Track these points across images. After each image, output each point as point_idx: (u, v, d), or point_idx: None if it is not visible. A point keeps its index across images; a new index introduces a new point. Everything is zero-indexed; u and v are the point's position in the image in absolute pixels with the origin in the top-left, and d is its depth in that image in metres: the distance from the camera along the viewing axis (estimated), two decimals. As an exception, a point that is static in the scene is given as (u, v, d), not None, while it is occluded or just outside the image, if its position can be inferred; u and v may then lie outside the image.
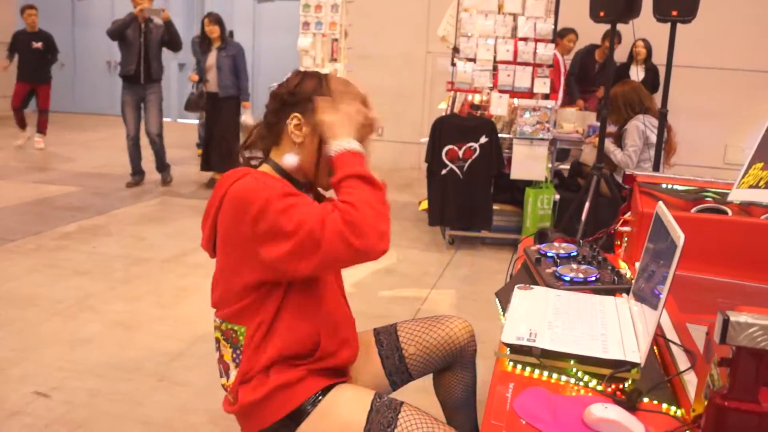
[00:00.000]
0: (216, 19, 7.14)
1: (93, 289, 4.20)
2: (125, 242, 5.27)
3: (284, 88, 1.71)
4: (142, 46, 6.90)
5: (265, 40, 12.71)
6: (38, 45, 9.31)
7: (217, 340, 1.73)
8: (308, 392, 1.64)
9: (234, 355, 1.68)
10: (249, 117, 7.23)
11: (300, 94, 1.67)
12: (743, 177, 1.53)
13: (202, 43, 7.25)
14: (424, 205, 5.79)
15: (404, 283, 4.61)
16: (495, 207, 5.53)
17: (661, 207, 1.58)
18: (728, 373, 1.03)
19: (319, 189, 1.80)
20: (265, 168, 1.71)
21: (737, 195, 1.54)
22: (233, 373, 1.68)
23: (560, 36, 7.56)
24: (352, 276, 4.56)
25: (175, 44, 7.21)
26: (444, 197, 5.37)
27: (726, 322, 0.98)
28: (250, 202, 1.52)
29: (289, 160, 1.68)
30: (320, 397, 1.64)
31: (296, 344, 1.65)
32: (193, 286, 4.33)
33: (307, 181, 1.74)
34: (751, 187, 1.46)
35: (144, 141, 7.20)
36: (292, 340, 1.64)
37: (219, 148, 7.25)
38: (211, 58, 7.15)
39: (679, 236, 1.33)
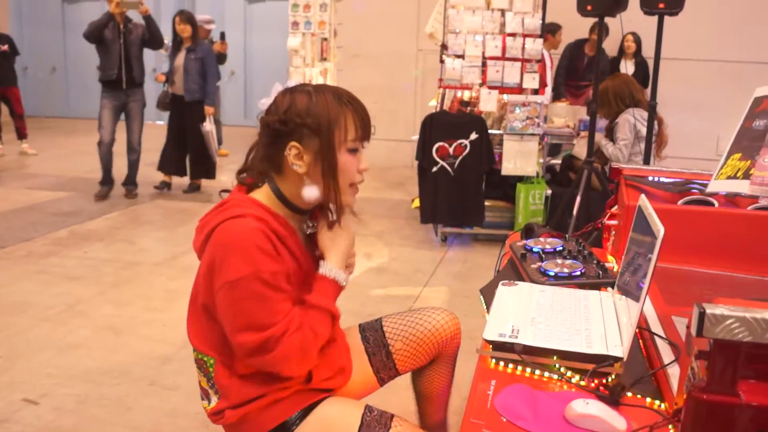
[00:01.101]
0: (188, 18, 6.82)
1: (83, 294, 4.17)
2: (116, 247, 5.24)
3: (274, 115, 1.57)
4: (122, 48, 6.48)
5: (257, 41, 12.70)
6: (4, 47, 9.09)
7: (195, 365, 1.70)
8: (296, 407, 1.61)
9: (209, 384, 1.65)
10: (209, 124, 6.91)
11: (292, 120, 1.54)
12: (721, 168, 1.51)
13: (174, 43, 6.93)
14: (417, 202, 5.77)
15: (396, 281, 4.60)
16: (487, 203, 5.52)
17: (643, 200, 1.57)
18: (706, 366, 1.01)
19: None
20: (264, 192, 1.62)
21: (716, 186, 1.52)
22: (214, 398, 1.65)
23: (551, 32, 7.55)
24: (343, 275, 4.54)
25: (155, 41, 6.74)
26: (435, 194, 5.35)
27: (702, 314, 0.96)
28: (229, 266, 1.48)
29: (310, 194, 1.58)
30: (308, 412, 1.62)
31: (289, 381, 1.61)
32: (183, 289, 4.30)
33: (311, 208, 1.66)
34: (729, 177, 1.44)
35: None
36: (285, 380, 1.60)
37: (190, 155, 7.07)
38: (179, 59, 6.83)
39: (659, 229, 1.32)
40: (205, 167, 7.16)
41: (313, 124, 1.54)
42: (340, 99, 1.58)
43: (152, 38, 6.67)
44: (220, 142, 9.62)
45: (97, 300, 4.10)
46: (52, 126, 12.25)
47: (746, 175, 1.38)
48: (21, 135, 9.28)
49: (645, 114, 4.78)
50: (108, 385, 3.07)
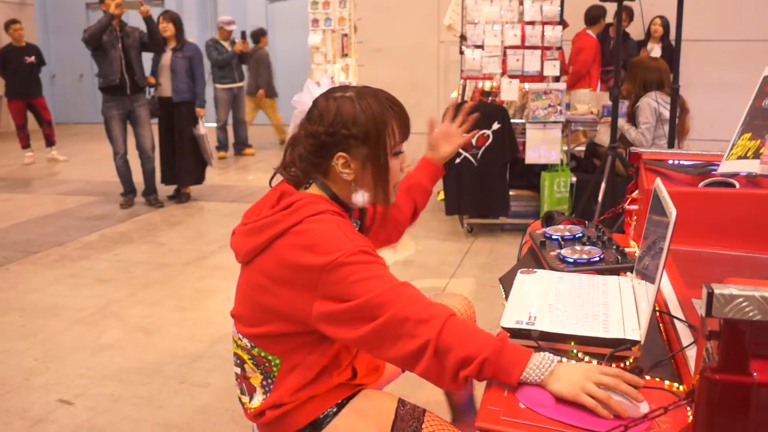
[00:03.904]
0: (171, 17, 6.61)
1: (114, 295, 4.25)
2: (146, 248, 5.32)
3: (318, 125, 1.55)
4: (121, 53, 6.27)
5: (279, 39, 12.76)
6: (31, 59, 9.17)
7: (239, 358, 1.67)
8: (331, 401, 1.62)
9: (264, 383, 1.62)
10: (202, 126, 6.71)
11: (339, 132, 1.53)
12: (732, 148, 1.50)
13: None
14: (442, 195, 5.77)
15: (423, 273, 4.61)
16: (512, 193, 5.51)
17: (658, 183, 1.56)
18: (718, 345, 1.01)
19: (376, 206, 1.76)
20: (314, 190, 1.61)
21: (727, 167, 1.51)
22: (259, 397, 1.63)
23: (603, 16, 7.49)
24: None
25: (156, 43, 6.48)
26: (460, 186, 5.35)
27: (711, 294, 0.97)
28: (326, 251, 1.42)
29: (361, 200, 1.59)
30: (342, 406, 1.63)
31: (335, 378, 1.62)
32: (211, 287, 4.36)
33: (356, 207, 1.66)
34: (739, 158, 1.43)
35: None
36: (332, 378, 1.61)
37: (180, 160, 6.78)
38: (165, 59, 6.60)
39: (672, 211, 1.31)
40: (196, 173, 6.93)
41: (360, 134, 1.54)
42: (382, 104, 1.58)
43: (152, 40, 6.45)
44: (245, 143, 9.71)
45: (128, 301, 4.17)
46: (80, 132, 12.43)
47: (756, 155, 1.37)
48: (50, 142, 9.39)
49: (666, 97, 4.74)
50: (140, 384, 3.13)
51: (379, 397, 1.67)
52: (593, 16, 7.44)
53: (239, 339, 1.65)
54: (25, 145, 9.30)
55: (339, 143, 1.54)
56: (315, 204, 1.53)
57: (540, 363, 1.29)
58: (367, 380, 1.72)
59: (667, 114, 4.63)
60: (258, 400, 1.64)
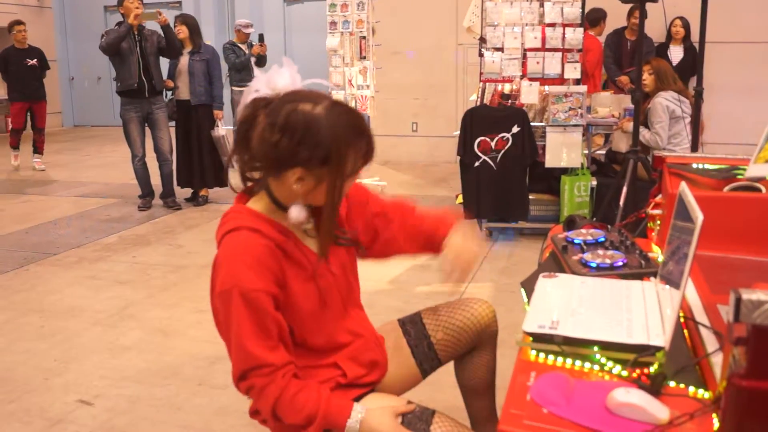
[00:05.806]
0: (184, 20, 6.70)
1: (133, 297, 4.26)
2: (164, 250, 5.34)
3: (282, 137, 1.48)
4: (139, 57, 6.34)
5: (296, 42, 12.80)
6: (33, 62, 9.10)
7: None
8: None
9: None
10: (221, 128, 6.70)
11: (302, 153, 1.48)
12: (759, 152, 1.47)
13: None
14: (461, 198, 5.75)
15: (441, 277, 4.57)
16: (531, 197, 5.47)
17: (683, 187, 1.54)
18: (745, 351, 0.99)
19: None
20: (260, 199, 1.62)
21: (754, 170, 1.49)
22: None
23: (603, 18, 7.45)
24: (388, 273, 4.56)
25: (173, 49, 6.52)
26: (479, 189, 5.33)
27: (738, 300, 0.95)
28: (215, 279, 1.58)
29: (297, 216, 1.55)
30: None
31: (320, 372, 1.65)
32: (230, 290, 4.36)
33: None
34: (767, 161, 1.41)
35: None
36: (317, 373, 1.65)
37: (200, 162, 6.80)
38: (182, 63, 6.66)
39: (698, 216, 1.29)
40: (215, 176, 6.90)
41: (323, 156, 1.49)
42: (353, 126, 1.53)
43: (170, 47, 6.49)
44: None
45: (147, 303, 4.18)
46: (98, 135, 12.52)
47: (785, 158, 1.35)
48: (36, 150, 9.24)
49: (676, 95, 4.73)
50: (159, 386, 3.13)
51: (386, 401, 1.67)
52: (594, 18, 7.40)
53: None
54: (15, 145, 9.22)
55: (299, 161, 1.50)
56: (235, 219, 1.58)
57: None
58: (370, 378, 1.72)
59: (679, 111, 4.61)
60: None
